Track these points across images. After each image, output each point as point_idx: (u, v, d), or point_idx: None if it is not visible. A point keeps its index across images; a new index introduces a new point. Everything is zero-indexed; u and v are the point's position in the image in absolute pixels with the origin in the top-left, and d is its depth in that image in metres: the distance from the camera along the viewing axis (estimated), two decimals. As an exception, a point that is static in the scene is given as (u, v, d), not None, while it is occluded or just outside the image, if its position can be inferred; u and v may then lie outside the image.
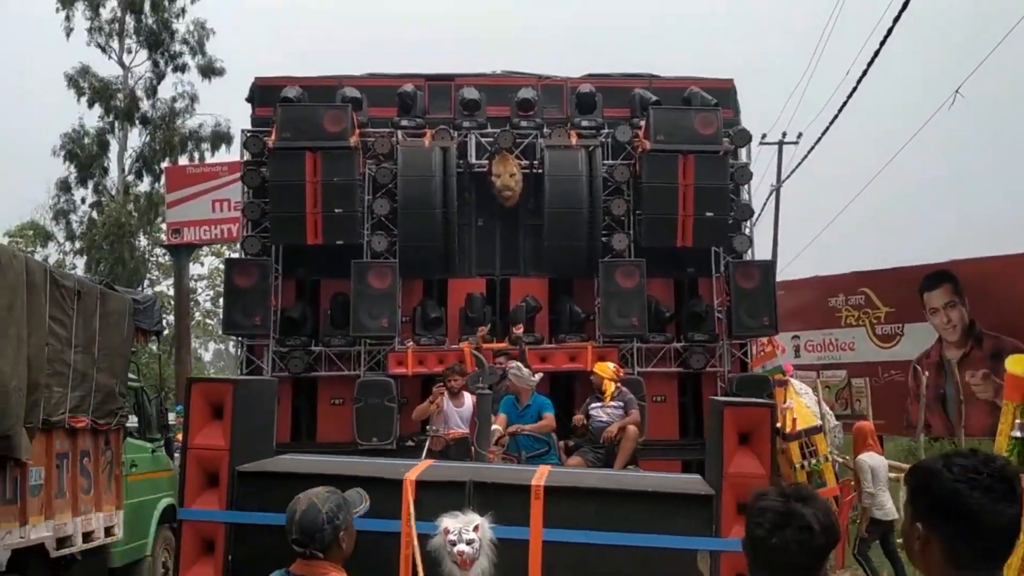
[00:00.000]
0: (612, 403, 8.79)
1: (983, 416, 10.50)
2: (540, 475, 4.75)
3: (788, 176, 23.55)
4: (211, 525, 4.62)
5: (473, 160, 11.44)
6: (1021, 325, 10.06)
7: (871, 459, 9.84)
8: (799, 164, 20.99)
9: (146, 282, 30.91)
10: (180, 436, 6.70)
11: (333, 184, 10.59)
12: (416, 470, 4.77)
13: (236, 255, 14.16)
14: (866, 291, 15.87)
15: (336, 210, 10.61)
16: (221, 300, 33.72)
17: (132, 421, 9.93)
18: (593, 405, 8.89)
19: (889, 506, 9.58)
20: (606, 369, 8.99)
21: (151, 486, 10.02)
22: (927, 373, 12.55)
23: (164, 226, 30.18)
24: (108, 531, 8.39)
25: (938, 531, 1.88)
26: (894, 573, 9.60)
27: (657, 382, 10.80)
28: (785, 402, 10.33)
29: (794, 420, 10.08)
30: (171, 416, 12.20)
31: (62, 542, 7.24)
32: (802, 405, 10.49)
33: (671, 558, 4.51)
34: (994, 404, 11.06)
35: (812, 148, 19.99)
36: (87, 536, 7.91)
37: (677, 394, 11.11)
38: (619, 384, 9.01)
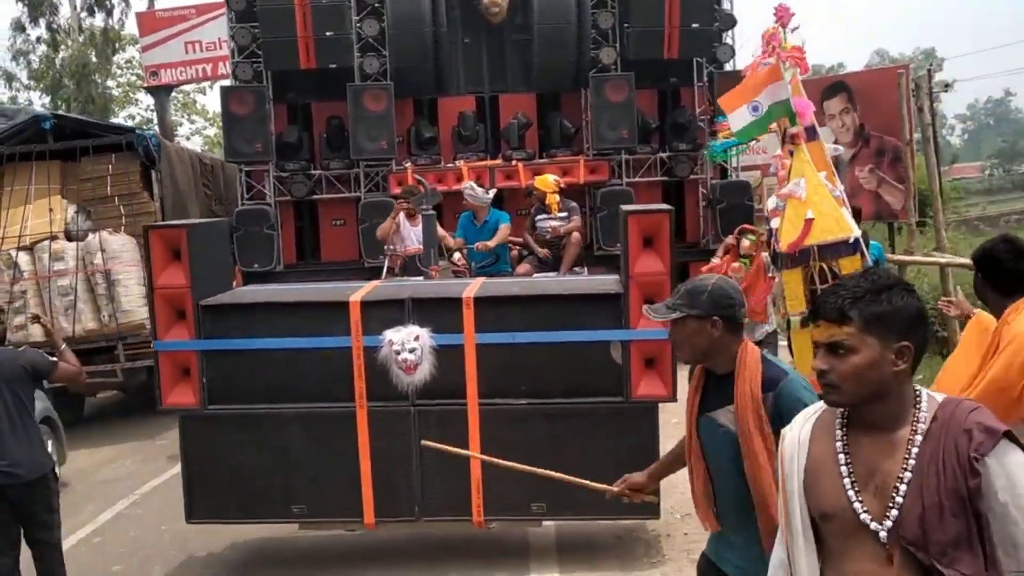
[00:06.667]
0: (558, 214, 8.90)
1: (868, 203, 11.82)
2: (472, 287, 5.26)
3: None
4: (184, 354, 5.19)
5: (459, -23, 11.39)
6: (894, 125, 11.47)
7: None
8: None
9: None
10: None
11: (322, 6, 10.63)
12: (361, 292, 5.28)
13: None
14: (778, 101, 16.28)
15: (327, 33, 10.70)
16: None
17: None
18: (539, 217, 9.03)
19: None
20: (547, 183, 8.99)
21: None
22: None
23: (122, 63, 30.00)
24: None
25: None
26: None
27: (644, 191, 11.17)
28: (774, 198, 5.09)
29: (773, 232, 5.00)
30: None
31: None
32: (825, 194, 4.77)
33: (587, 350, 5.06)
34: (876, 193, 12.44)
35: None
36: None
37: (662, 201, 11.45)
38: (561, 195, 9.02)
